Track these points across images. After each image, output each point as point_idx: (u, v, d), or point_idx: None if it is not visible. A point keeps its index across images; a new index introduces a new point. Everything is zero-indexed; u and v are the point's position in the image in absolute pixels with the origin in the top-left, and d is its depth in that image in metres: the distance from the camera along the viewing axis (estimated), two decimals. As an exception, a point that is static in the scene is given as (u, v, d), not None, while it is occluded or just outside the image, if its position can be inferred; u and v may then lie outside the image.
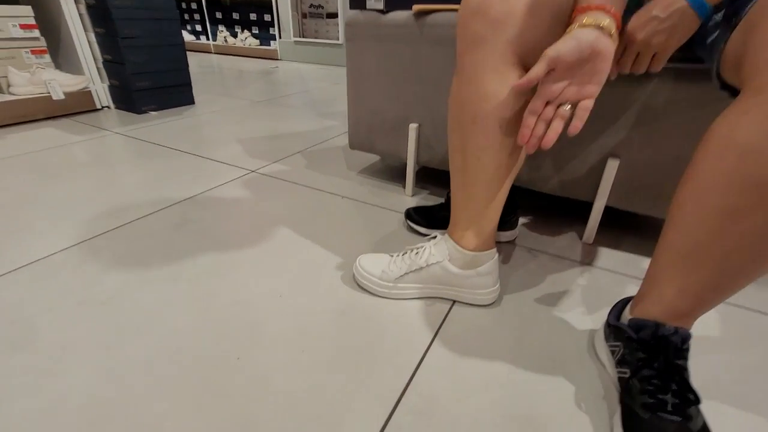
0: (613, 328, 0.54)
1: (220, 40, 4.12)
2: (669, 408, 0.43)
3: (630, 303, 0.55)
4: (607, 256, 0.85)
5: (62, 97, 1.59)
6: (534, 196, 1.13)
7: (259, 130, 1.63)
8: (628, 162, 0.80)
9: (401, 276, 0.68)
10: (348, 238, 0.88)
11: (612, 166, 0.80)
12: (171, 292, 0.70)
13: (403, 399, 0.52)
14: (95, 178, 1.14)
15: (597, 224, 0.87)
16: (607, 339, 0.57)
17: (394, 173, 1.25)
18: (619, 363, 0.52)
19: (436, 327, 0.64)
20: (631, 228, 0.97)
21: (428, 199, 1.09)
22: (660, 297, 0.48)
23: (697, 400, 0.44)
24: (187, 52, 4.20)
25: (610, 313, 0.58)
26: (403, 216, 0.99)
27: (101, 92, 1.80)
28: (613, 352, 0.54)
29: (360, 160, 1.36)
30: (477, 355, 0.59)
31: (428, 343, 0.61)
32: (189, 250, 0.82)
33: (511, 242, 0.89)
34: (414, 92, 0.98)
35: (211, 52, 4.26)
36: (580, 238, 0.91)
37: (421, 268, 0.67)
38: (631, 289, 0.75)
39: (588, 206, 0.88)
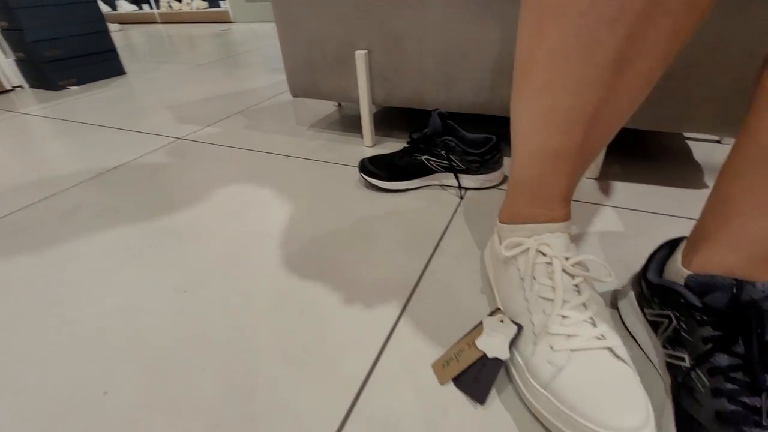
0: (658, 289, 0.36)
1: (164, 7, 3.70)
2: (765, 420, 0.26)
3: (681, 250, 0.37)
4: (619, 190, 0.67)
5: (-49, 77, 1.32)
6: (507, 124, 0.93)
7: (196, 94, 1.39)
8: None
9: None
10: (288, 205, 0.69)
11: (621, 69, 0.60)
12: (32, 304, 0.51)
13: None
14: (-20, 167, 0.91)
15: (603, 153, 0.68)
16: (643, 304, 0.39)
17: (353, 122, 1.04)
18: (670, 342, 0.34)
19: (398, 312, 0.46)
20: (640, 154, 0.78)
21: (394, 147, 0.88)
22: (740, 237, 0.30)
23: None
24: (131, 25, 3.80)
25: (646, 266, 0.40)
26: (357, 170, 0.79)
27: (7, 69, 1.52)
28: (655, 325, 0.37)
29: (313, 112, 1.13)
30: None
31: (378, 350, 0.43)
32: (70, 246, 0.62)
33: (496, 186, 0.70)
34: (356, 5, 0.75)
35: (157, 22, 3.84)
36: (582, 172, 0.73)
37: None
38: (661, 230, 0.57)
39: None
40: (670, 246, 0.40)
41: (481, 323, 0.39)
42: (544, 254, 0.38)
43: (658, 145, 0.81)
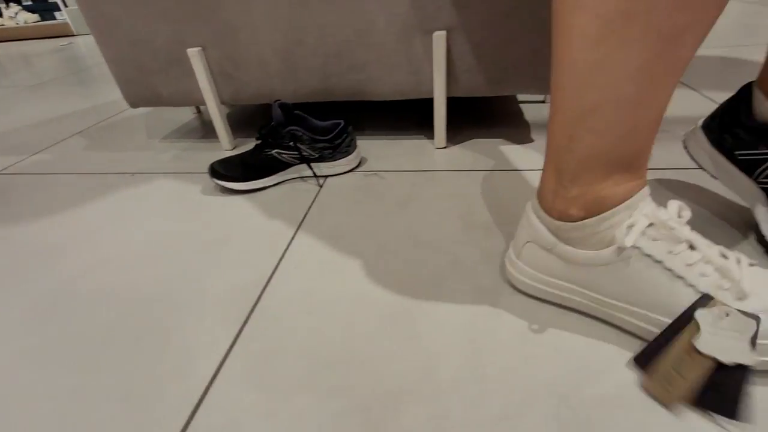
0: (760, 131, 0.41)
1: (-20, 23, 3.06)
2: None
3: (758, 96, 0.41)
4: (466, 155, 0.72)
5: None
6: (366, 108, 0.96)
7: (25, 119, 1.17)
8: (459, 32, 0.64)
9: None
10: (129, 227, 0.61)
11: (439, 43, 0.64)
12: None
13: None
14: None
15: (444, 122, 0.73)
16: (736, 146, 0.44)
17: (213, 128, 0.97)
18: None
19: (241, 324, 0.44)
20: (481, 121, 0.86)
21: (255, 148, 0.85)
22: None
23: None
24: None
25: (735, 116, 0.44)
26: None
27: None
28: (754, 163, 0.42)
29: (168, 123, 1.03)
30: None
31: (221, 359, 0.41)
32: None
33: (354, 170, 0.71)
34: None
35: (-25, 42, 3.17)
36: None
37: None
38: (507, 184, 0.62)
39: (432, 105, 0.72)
40: (739, 97, 0.44)
41: (692, 317, 0.32)
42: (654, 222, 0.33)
43: (495, 111, 0.90)
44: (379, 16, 0.65)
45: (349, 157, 0.69)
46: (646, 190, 0.34)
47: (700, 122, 0.49)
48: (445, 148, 0.75)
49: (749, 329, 0.29)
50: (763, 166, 0.42)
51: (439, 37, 0.63)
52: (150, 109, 1.15)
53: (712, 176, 0.48)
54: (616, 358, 0.35)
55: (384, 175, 0.68)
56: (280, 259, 0.51)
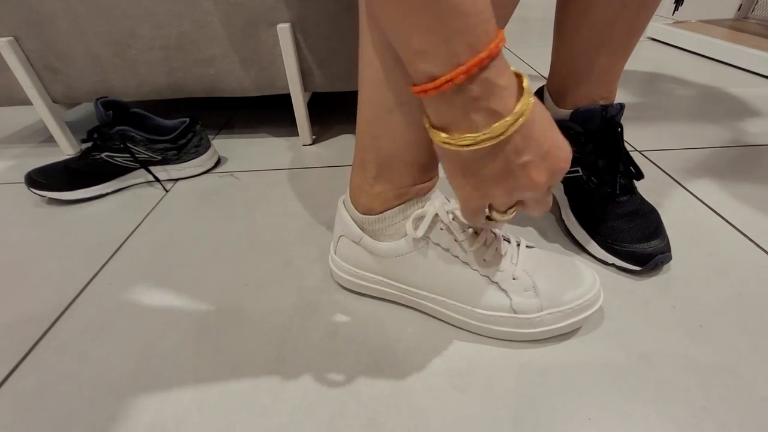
0: None
1: None
2: (619, 190, 0.43)
3: (546, 97, 0.45)
4: (330, 150, 0.71)
5: None
6: (223, 106, 0.91)
7: None
8: (305, 25, 0.62)
9: None
10: None
11: (285, 35, 0.62)
12: None
13: None
14: None
15: (306, 118, 0.71)
16: None
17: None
18: None
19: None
20: (340, 116, 0.85)
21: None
22: (591, 75, 0.41)
23: (639, 174, 0.43)
24: None
25: None
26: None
27: None
28: None
29: (9, 126, 0.89)
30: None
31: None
32: None
33: (211, 171, 0.67)
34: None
35: None
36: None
37: None
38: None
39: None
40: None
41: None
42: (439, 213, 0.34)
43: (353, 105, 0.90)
44: (216, 7, 0.60)
45: (202, 157, 0.64)
46: (436, 183, 0.36)
47: None
48: (311, 144, 0.73)
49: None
50: None
51: (284, 30, 0.61)
52: (-13, 110, 0.99)
53: None
54: (415, 348, 0.36)
55: (240, 175, 0.65)
56: (91, 279, 0.45)
